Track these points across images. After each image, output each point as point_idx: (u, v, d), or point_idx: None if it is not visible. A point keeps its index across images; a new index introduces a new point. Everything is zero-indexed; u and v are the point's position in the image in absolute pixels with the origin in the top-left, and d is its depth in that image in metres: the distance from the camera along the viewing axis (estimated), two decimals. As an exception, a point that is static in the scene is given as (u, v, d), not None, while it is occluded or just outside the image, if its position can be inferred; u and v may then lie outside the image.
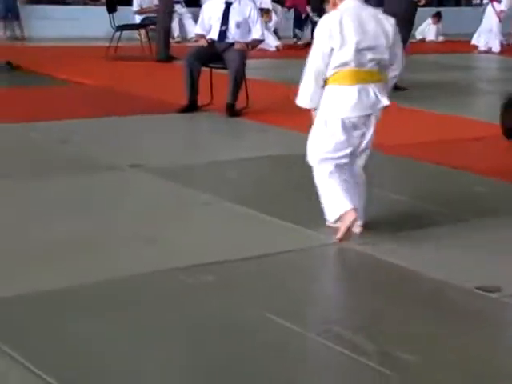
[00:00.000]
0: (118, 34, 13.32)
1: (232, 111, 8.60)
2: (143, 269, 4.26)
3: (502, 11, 16.81)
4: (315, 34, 4.84)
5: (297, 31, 17.35)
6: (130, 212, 5.25)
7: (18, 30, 16.16)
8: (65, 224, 4.92)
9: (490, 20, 16.95)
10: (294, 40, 17.07)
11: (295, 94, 4.89)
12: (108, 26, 13.60)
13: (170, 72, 11.44)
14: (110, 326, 3.65)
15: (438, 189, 6.04)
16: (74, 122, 7.97)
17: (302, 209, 4.90)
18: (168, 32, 13.64)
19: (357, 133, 4.79)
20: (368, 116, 4.79)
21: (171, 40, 14.29)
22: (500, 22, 16.90)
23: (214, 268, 4.31)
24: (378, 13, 4.96)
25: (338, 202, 4.73)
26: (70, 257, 4.41)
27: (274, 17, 16.69)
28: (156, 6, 14.08)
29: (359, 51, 4.69)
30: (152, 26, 14.29)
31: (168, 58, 13.07)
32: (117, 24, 13.56)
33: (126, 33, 13.82)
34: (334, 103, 4.76)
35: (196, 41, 9.51)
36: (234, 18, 8.75)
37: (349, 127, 4.76)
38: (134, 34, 15.00)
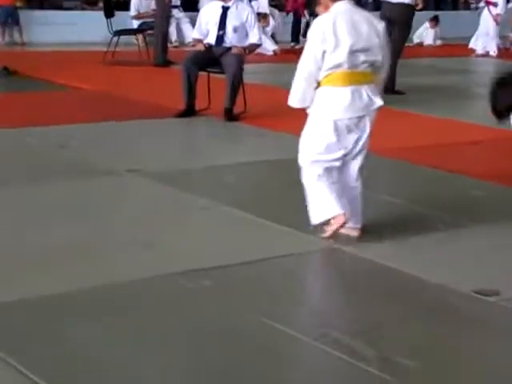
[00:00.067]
0: (115, 38, 13.31)
1: (230, 116, 8.61)
2: (141, 273, 4.26)
3: (498, 15, 16.82)
4: (308, 36, 4.85)
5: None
6: (128, 217, 5.25)
7: (18, 35, 16.17)
8: (62, 229, 4.92)
9: (487, 23, 16.95)
10: (292, 44, 17.07)
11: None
12: (106, 30, 13.60)
13: (168, 77, 11.44)
14: (108, 330, 3.65)
15: (435, 192, 6.04)
16: (71, 126, 7.97)
17: (299, 213, 4.90)
18: (165, 37, 13.64)
19: (350, 135, 4.79)
20: (361, 118, 4.79)
21: (169, 45, 14.29)
22: (497, 25, 16.92)
23: (213, 273, 4.31)
24: (370, 15, 5.00)
25: (326, 206, 4.76)
26: (67, 262, 4.41)
27: (271, 21, 16.68)
28: (153, 10, 14.06)
29: (353, 53, 4.70)
30: (149, 31, 14.28)
31: (166, 63, 13.06)
32: (114, 29, 13.55)
33: (123, 38, 13.81)
34: (327, 104, 4.76)
35: (193, 45, 9.52)
36: (231, 23, 8.76)
37: (341, 129, 4.76)
38: (132, 38, 14.99)
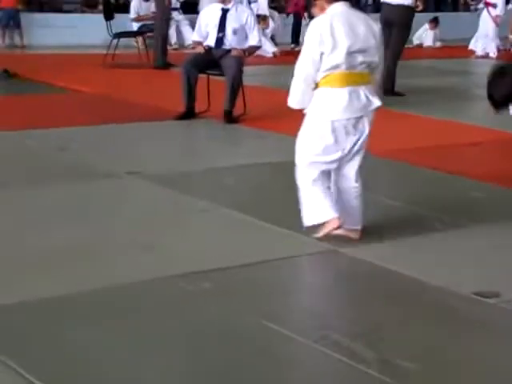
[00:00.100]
0: (115, 41, 13.31)
1: (229, 118, 8.61)
2: (141, 276, 4.26)
3: (497, 16, 16.83)
4: (305, 38, 4.85)
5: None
6: (128, 219, 5.25)
7: (18, 38, 16.19)
8: (62, 231, 4.93)
9: (486, 25, 16.95)
10: (292, 46, 17.07)
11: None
12: (105, 33, 13.59)
13: (168, 79, 11.44)
14: (108, 333, 3.65)
15: (435, 194, 6.04)
16: (71, 129, 7.97)
17: (299, 215, 4.90)
18: (165, 39, 13.65)
19: (348, 137, 4.78)
20: (359, 118, 4.79)
21: (168, 47, 14.30)
22: (497, 26, 16.92)
23: (213, 275, 4.31)
24: (366, 16, 5.02)
25: (320, 210, 4.77)
26: (67, 264, 4.41)
27: (271, 23, 16.69)
28: (153, 13, 14.06)
29: (350, 54, 4.71)
30: (149, 34, 14.28)
31: (165, 65, 13.07)
32: (114, 31, 13.54)
33: (123, 40, 13.81)
34: (325, 105, 4.76)
35: (193, 48, 9.52)
36: (230, 25, 8.76)
37: (339, 130, 4.76)
38: (132, 41, 15.00)
